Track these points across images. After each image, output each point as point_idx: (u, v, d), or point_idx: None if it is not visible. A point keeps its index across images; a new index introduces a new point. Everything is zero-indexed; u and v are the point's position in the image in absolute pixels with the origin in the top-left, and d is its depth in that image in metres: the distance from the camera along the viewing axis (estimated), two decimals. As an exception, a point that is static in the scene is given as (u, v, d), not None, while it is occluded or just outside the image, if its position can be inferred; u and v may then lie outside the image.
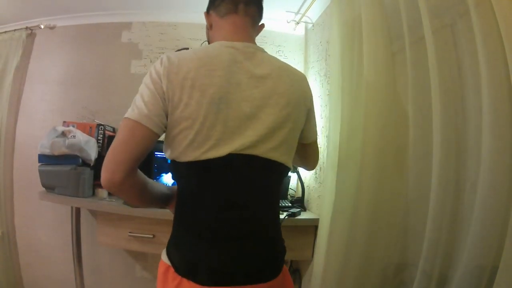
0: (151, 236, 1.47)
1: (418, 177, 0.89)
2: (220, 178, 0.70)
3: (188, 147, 0.68)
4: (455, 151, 0.84)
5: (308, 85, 0.85)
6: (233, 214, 0.71)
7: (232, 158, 0.69)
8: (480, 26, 0.72)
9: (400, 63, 1.02)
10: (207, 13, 0.85)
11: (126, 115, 0.67)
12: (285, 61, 0.82)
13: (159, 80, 0.67)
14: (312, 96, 0.86)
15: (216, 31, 0.82)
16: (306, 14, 1.81)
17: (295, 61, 2.01)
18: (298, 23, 1.92)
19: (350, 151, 1.10)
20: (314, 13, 1.82)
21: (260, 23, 0.87)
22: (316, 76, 1.73)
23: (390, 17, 1.06)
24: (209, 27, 0.85)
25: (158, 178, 1.72)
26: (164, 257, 0.74)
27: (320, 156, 1.60)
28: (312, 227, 1.47)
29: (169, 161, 0.75)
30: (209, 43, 0.86)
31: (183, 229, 0.74)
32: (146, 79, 0.70)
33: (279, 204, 0.88)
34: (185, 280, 0.68)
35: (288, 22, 1.91)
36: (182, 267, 0.70)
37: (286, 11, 1.82)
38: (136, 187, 0.70)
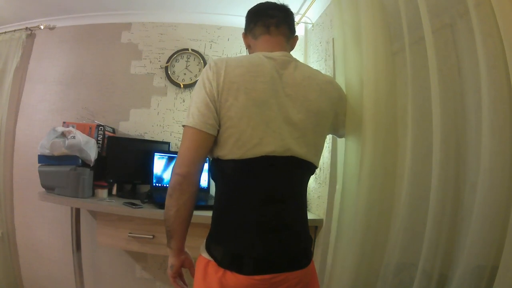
0: (151, 236, 1.47)
1: (418, 177, 0.89)
2: (262, 174, 0.77)
3: (234, 145, 0.75)
4: (455, 151, 0.83)
5: (336, 87, 0.94)
6: (273, 207, 0.78)
7: (272, 157, 0.76)
8: (480, 26, 0.72)
9: (400, 63, 1.02)
10: (245, 34, 0.97)
11: (184, 123, 0.76)
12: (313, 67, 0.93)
13: (209, 83, 0.75)
14: (340, 96, 0.94)
15: (253, 50, 0.92)
16: (305, 15, 1.81)
17: (295, 61, 2.00)
18: (298, 23, 1.91)
19: (350, 151, 1.10)
20: (314, 14, 1.82)
21: (293, 36, 0.97)
22: (316, 76, 1.72)
23: (390, 17, 1.06)
24: (247, 47, 0.97)
25: (158, 177, 1.72)
26: (204, 253, 0.78)
27: (321, 156, 1.60)
28: (312, 227, 1.47)
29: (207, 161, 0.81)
30: None
31: (225, 224, 0.78)
32: (198, 85, 0.78)
33: (306, 199, 0.96)
34: (228, 272, 0.73)
35: (288, 23, 1.91)
36: (226, 260, 0.74)
37: (286, 11, 1.82)
38: (196, 187, 0.78)
